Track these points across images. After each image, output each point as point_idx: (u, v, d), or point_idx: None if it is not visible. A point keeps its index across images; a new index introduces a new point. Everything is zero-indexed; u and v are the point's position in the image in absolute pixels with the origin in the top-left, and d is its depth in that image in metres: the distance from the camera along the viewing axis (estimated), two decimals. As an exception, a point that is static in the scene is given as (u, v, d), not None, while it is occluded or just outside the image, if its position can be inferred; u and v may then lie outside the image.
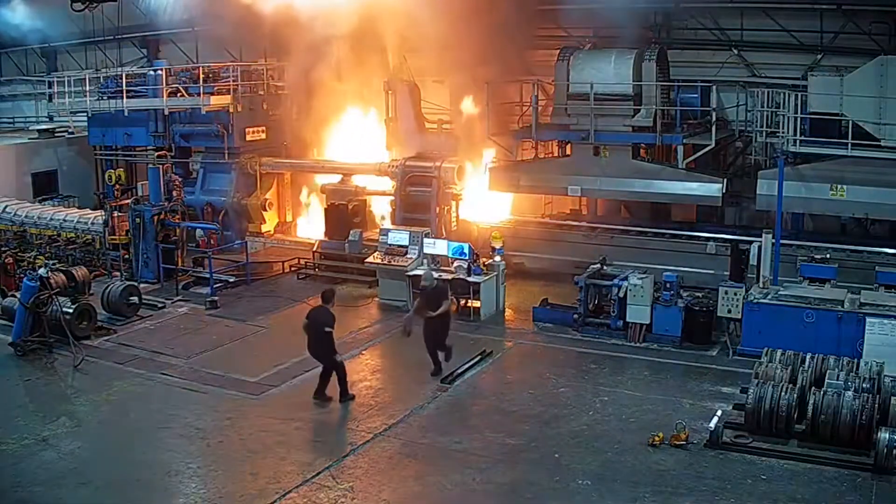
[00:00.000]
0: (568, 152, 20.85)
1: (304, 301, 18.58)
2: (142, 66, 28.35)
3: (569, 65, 20.00)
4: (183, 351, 15.69)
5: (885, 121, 16.81)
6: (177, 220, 20.34)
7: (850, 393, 11.27)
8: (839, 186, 17.12)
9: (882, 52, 18.33)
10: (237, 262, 20.68)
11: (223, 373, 14.63)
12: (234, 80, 23.02)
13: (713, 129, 18.91)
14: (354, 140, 22.91)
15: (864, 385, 11.47)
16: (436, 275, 15.35)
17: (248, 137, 23.22)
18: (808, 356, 12.36)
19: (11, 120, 33.11)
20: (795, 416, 11.47)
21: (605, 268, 16.72)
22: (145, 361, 15.30)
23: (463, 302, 17.57)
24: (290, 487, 10.72)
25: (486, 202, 21.39)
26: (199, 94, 22.79)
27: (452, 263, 17.53)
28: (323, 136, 23.42)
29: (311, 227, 23.25)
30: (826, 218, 18.62)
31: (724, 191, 18.49)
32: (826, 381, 11.62)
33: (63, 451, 11.85)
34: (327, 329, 13.09)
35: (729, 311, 15.02)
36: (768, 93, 20.02)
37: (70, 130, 27.65)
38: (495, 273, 17.42)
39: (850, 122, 17.19)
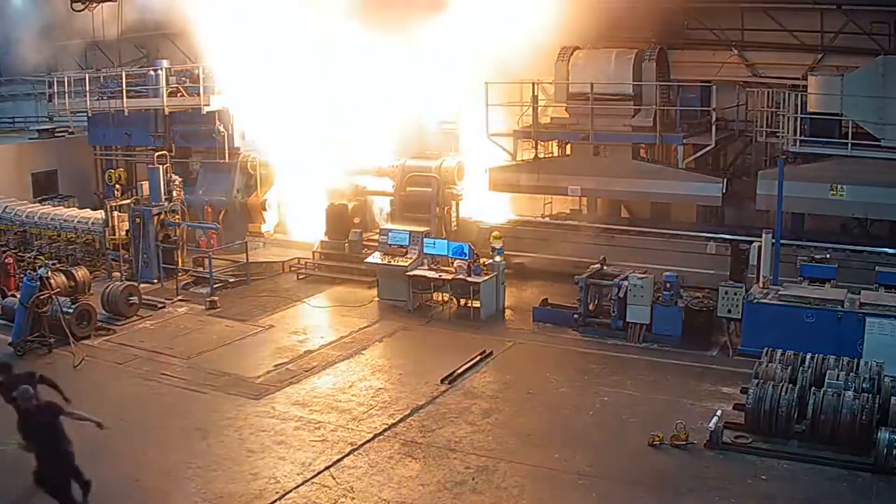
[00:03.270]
0: (568, 152, 20.86)
1: (303, 301, 18.66)
2: (142, 66, 28.35)
3: (569, 65, 20.02)
4: (183, 351, 15.70)
5: (885, 121, 16.82)
6: (177, 220, 20.36)
7: (850, 393, 11.27)
8: (839, 186, 17.11)
9: (882, 52, 18.35)
10: (237, 261, 20.72)
11: (223, 373, 14.64)
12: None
13: (713, 129, 18.92)
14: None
15: (864, 385, 11.47)
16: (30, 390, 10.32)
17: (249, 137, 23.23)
18: (808, 356, 12.35)
19: (11, 120, 33.09)
20: (795, 416, 11.46)
21: (605, 268, 16.74)
22: (145, 361, 15.31)
23: (463, 302, 17.62)
24: (290, 487, 10.73)
25: (486, 202, 21.44)
26: (199, 94, 22.81)
27: (452, 263, 17.57)
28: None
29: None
30: (826, 218, 18.62)
31: (724, 191, 18.50)
32: (826, 381, 11.62)
33: (63, 451, 11.84)
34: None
35: (729, 311, 15.02)
36: (768, 93, 20.03)
37: (70, 130, 27.67)
38: (495, 273, 17.42)
39: (851, 122, 17.20)
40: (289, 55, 21.13)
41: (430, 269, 17.78)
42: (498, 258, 17.68)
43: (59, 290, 16.69)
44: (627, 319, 15.72)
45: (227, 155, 23.07)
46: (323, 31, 20.64)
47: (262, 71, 21.43)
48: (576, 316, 16.39)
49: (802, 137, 17.63)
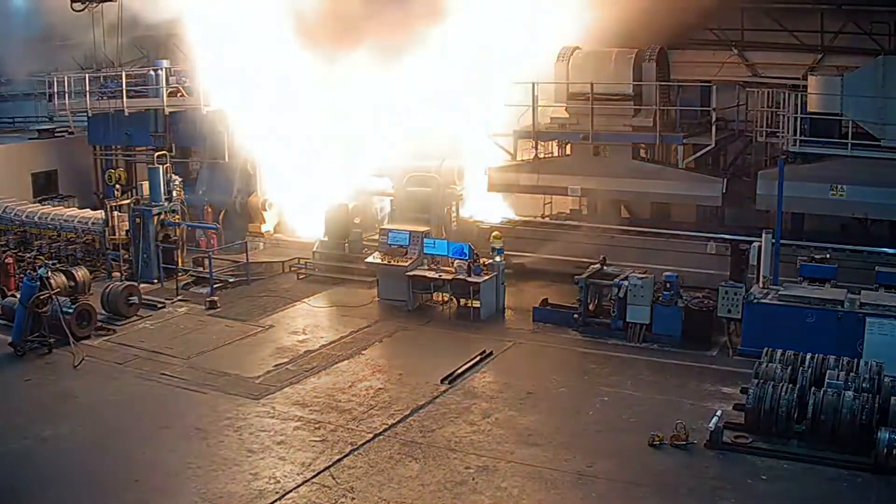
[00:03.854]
0: (568, 152, 20.85)
1: (303, 301, 18.65)
2: (142, 66, 28.34)
3: (569, 65, 20.01)
4: (183, 351, 15.70)
5: (885, 121, 16.82)
6: (177, 220, 20.36)
7: (850, 393, 11.28)
8: (839, 186, 17.12)
9: (882, 52, 18.35)
10: (237, 261, 20.71)
11: (223, 373, 14.64)
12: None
13: (713, 129, 18.92)
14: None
15: (864, 385, 11.47)
16: None
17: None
18: (808, 356, 12.35)
19: (11, 120, 33.07)
20: (795, 416, 11.47)
21: (605, 268, 16.74)
22: (145, 361, 15.31)
23: (463, 302, 17.61)
24: (290, 487, 10.73)
25: (486, 202, 21.43)
26: (198, 94, 22.79)
27: (452, 263, 17.57)
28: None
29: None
30: (826, 218, 18.62)
31: (724, 191, 18.50)
32: (826, 381, 11.62)
33: (63, 451, 11.86)
34: None
35: (729, 311, 15.02)
36: (768, 93, 20.02)
37: (70, 130, 27.65)
38: (495, 273, 17.42)
39: (851, 122, 17.20)
40: (289, 55, 21.16)
41: (430, 269, 17.77)
42: (498, 258, 17.67)
43: (59, 290, 16.69)
44: (627, 319, 15.72)
45: (227, 155, 23.07)
46: (323, 32, 20.67)
47: (261, 71, 21.45)
48: (576, 316, 16.38)
49: (802, 137, 17.64)
